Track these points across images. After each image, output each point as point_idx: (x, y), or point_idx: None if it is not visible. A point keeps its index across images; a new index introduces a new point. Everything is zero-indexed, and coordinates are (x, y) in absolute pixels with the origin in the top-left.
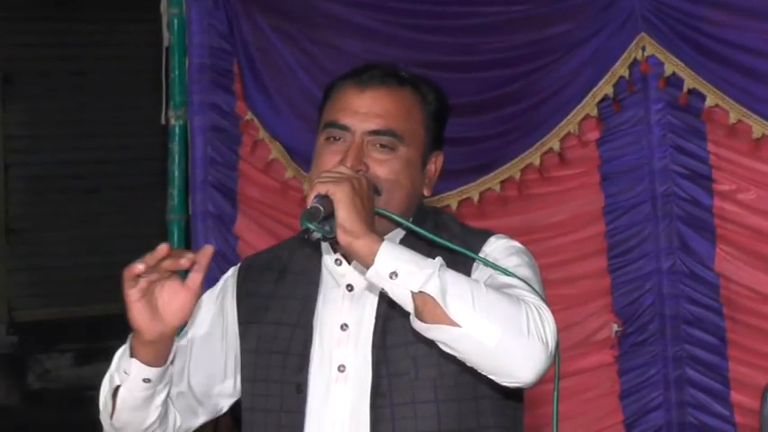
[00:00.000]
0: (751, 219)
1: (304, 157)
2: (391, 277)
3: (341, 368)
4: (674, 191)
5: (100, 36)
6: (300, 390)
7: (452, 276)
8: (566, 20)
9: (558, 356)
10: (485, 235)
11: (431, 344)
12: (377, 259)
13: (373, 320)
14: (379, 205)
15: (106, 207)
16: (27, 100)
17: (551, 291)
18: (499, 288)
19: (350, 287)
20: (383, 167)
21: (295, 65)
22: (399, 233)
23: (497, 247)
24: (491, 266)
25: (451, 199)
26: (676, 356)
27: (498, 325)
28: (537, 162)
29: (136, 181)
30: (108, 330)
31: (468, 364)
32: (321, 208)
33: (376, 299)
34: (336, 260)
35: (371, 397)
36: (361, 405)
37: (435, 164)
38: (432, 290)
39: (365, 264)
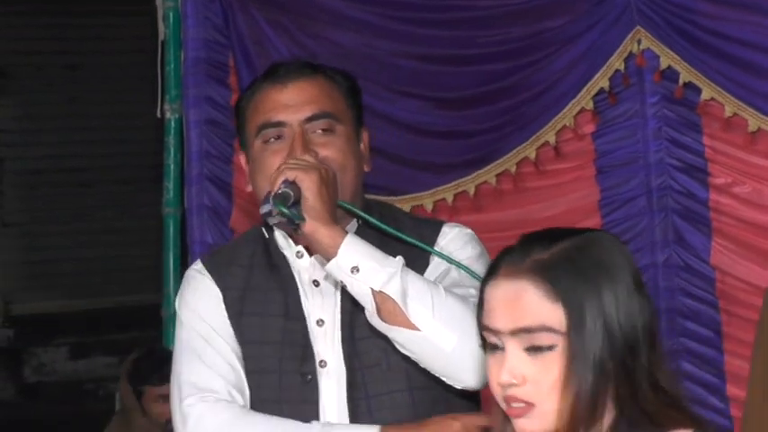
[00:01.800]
0: (746, 212)
1: None
2: (352, 272)
3: (322, 363)
4: (669, 184)
5: (95, 30)
6: (308, 380)
7: (413, 278)
8: (561, 13)
9: None
10: (437, 225)
11: None
12: (340, 252)
13: (339, 314)
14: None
15: (100, 201)
16: (22, 94)
17: None
18: (453, 286)
19: (316, 282)
20: (329, 150)
21: (289, 57)
22: (354, 225)
23: (453, 238)
24: (447, 261)
25: (447, 192)
26: (672, 350)
27: (455, 331)
28: (532, 155)
29: (130, 175)
30: (103, 324)
31: (421, 365)
32: (291, 193)
33: (339, 292)
34: (297, 252)
35: (348, 390)
36: (341, 398)
37: (365, 140)
38: (392, 291)
39: (326, 254)
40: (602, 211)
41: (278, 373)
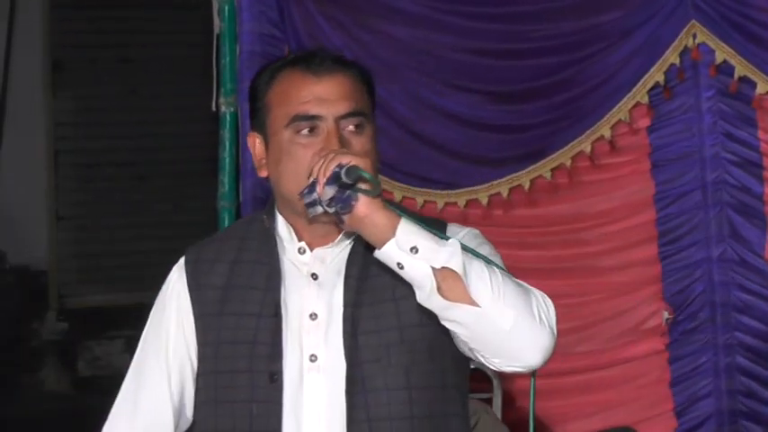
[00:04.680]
0: None
1: None
2: (412, 251)
3: (312, 357)
4: (724, 178)
5: (150, 23)
6: (274, 379)
7: (469, 256)
8: (616, 7)
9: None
10: (442, 224)
11: (401, 331)
12: (398, 232)
13: (342, 308)
14: None
15: (155, 194)
16: (77, 87)
17: (602, 278)
18: None
19: (314, 276)
20: (359, 148)
21: (346, 52)
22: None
23: (465, 238)
24: (477, 256)
25: (502, 186)
26: (726, 344)
27: (513, 308)
28: (588, 149)
29: (184, 168)
30: None
31: (472, 345)
32: (345, 176)
33: (341, 287)
34: (300, 249)
35: (347, 384)
36: (335, 393)
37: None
38: (457, 266)
39: (382, 236)
40: (656, 206)
41: (249, 372)
